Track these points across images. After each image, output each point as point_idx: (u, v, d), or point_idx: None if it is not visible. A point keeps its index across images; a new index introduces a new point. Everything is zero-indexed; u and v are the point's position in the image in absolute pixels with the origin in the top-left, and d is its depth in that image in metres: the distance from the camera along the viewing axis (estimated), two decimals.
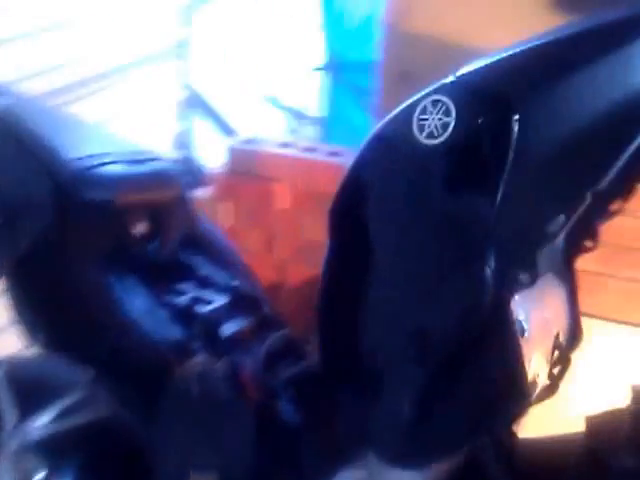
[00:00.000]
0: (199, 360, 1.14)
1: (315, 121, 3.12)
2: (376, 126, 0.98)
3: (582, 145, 0.82)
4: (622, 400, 1.04)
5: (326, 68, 3.06)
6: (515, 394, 0.91)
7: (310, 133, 3.07)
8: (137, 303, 1.26)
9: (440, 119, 0.85)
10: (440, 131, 0.85)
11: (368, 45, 2.58)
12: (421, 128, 0.87)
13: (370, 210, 0.95)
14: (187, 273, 1.39)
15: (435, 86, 0.89)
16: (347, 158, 2.23)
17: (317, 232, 2.31)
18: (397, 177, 0.92)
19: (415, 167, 0.89)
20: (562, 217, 0.86)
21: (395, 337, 0.95)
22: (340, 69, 3.04)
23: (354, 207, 0.98)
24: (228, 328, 1.26)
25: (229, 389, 1.12)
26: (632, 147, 0.81)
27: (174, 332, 1.22)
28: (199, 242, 1.46)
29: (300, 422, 1.13)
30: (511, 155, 0.82)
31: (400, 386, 0.97)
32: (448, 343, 0.91)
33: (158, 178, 1.40)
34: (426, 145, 0.87)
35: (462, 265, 0.88)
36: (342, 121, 3.03)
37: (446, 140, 0.85)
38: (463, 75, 0.88)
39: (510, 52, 0.87)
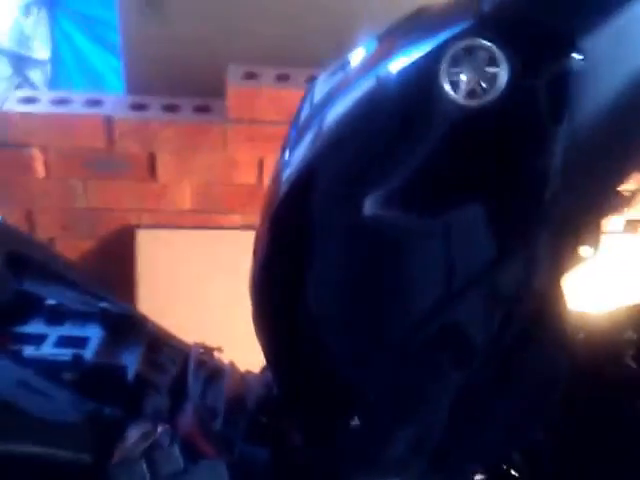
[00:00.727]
0: (141, 431, 0.87)
1: (39, 63, 2.61)
2: (356, 85, 0.76)
3: None
4: None
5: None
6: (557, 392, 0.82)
7: (36, 79, 2.57)
8: None
9: (484, 71, 0.66)
10: (486, 87, 0.66)
11: None
12: (455, 85, 0.66)
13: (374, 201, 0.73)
14: (32, 306, 1.07)
15: (456, 25, 0.68)
16: (107, 105, 1.91)
17: (89, 198, 2.01)
18: (419, 153, 0.71)
19: (451, 138, 0.69)
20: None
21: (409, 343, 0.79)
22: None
23: (324, 197, 0.77)
24: (128, 369, 1.00)
25: (184, 455, 0.88)
26: None
27: (73, 402, 0.92)
28: (25, 261, 1.13)
29: (272, 457, 0.94)
30: (572, 107, 0.66)
31: (424, 397, 0.83)
32: (493, 340, 0.78)
33: None
34: (468, 107, 0.67)
35: (507, 249, 0.73)
36: (74, 60, 2.60)
37: (498, 97, 0.66)
38: (496, 8, 0.68)
39: None
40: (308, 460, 0.94)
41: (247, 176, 1.94)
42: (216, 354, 1.14)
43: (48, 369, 0.95)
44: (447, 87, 0.67)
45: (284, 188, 0.81)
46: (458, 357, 0.78)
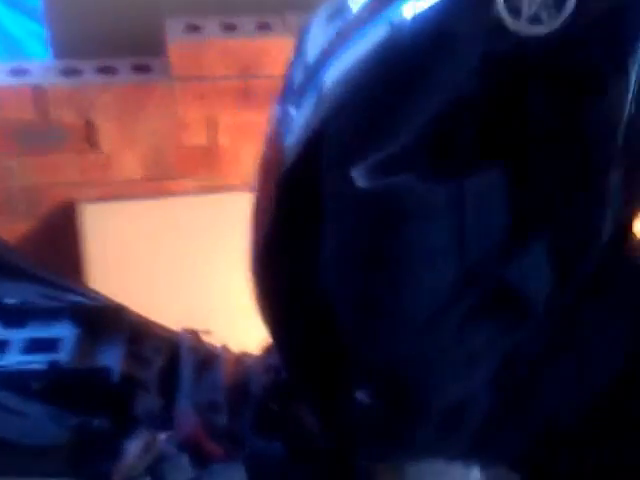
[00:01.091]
0: (141, 442, 0.75)
1: None
2: (362, 34, 0.66)
3: None
4: None
5: None
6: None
7: None
8: None
9: None
10: (552, 10, 0.57)
11: None
12: (515, 10, 0.58)
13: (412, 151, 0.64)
14: None
15: None
16: (34, 73, 1.73)
17: (25, 175, 1.83)
18: (473, 94, 0.61)
19: (511, 72, 0.60)
20: None
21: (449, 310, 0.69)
22: None
23: (351, 149, 0.67)
24: (112, 370, 0.87)
25: (193, 460, 0.77)
26: None
27: (53, 417, 0.78)
28: None
29: (287, 448, 0.84)
30: None
31: (471, 369, 0.73)
32: (552, 299, 0.68)
33: None
34: (531, 35, 0.58)
35: (574, 190, 0.64)
36: None
37: (567, 22, 0.57)
38: None
39: None
40: (326, 446, 0.85)
41: (198, 137, 1.80)
42: (206, 338, 1.03)
43: (18, 381, 0.82)
44: (505, 14, 0.58)
45: (290, 156, 0.71)
46: (510, 320, 0.69)
